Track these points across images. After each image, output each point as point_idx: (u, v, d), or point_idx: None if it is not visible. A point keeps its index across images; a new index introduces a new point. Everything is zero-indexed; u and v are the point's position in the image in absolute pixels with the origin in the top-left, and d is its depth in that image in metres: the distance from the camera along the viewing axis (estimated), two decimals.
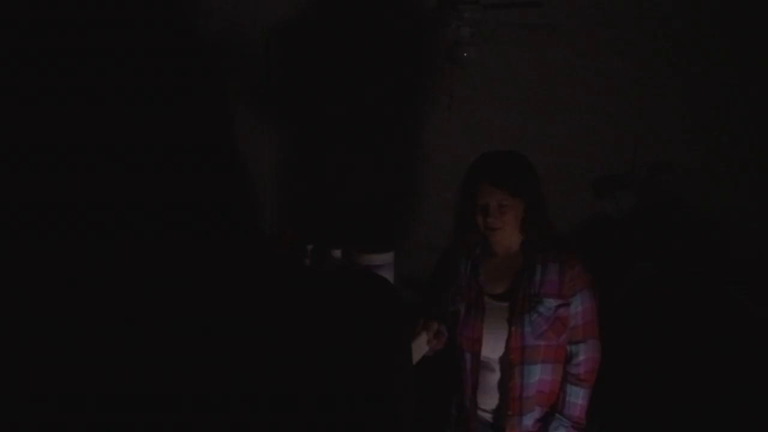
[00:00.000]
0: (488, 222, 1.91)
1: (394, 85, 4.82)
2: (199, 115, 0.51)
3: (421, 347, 1.88)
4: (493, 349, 1.95)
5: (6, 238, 0.44)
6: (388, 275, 1.85)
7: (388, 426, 0.49)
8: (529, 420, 1.93)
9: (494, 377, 1.97)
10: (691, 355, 2.88)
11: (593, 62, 4.42)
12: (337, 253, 1.94)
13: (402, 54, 4.76)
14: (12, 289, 0.44)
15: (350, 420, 0.47)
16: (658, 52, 4.30)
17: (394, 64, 4.77)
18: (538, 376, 1.91)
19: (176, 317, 0.48)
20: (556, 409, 1.94)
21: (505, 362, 1.93)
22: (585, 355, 1.92)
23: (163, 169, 0.48)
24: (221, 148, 0.53)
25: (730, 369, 2.69)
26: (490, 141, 2.29)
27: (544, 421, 1.95)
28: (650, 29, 4.22)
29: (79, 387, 0.46)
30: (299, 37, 4.81)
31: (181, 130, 0.50)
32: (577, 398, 1.91)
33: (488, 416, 2.01)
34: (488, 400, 1.99)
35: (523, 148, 2.13)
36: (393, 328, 0.53)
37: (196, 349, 0.47)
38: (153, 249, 0.47)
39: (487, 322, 1.95)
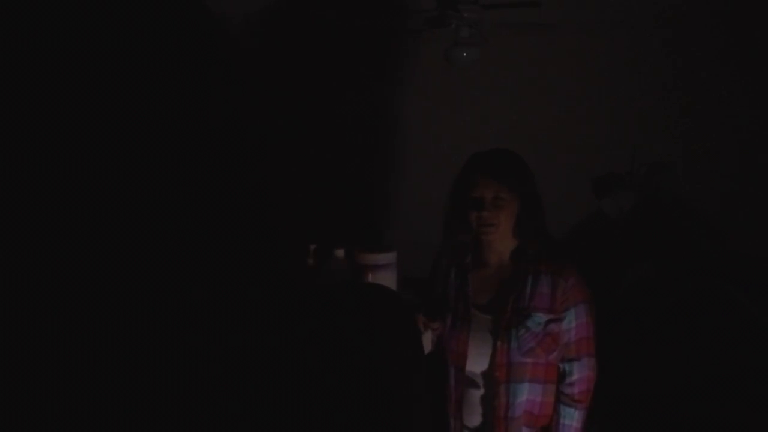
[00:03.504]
0: (483, 216, 1.78)
1: (395, 86, 4.83)
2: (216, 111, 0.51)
3: (425, 346, 1.86)
4: (478, 364, 1.83)
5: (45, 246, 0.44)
6: (391, 275, 1.83)
7: (410, 423, 0.50)
8: None
9: (479, 394, 1.85)
10: (690, 357, 2.89)
11: (592, 62, 4.43)
12: (340, 252, 1.92)
13: (402, 54, 4.76)
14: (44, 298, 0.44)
15: (375, 419, 0.47)
16: (657, 52, 4.31)
17: (394, 64, 4.77)
18: (526, 395, 1.79)
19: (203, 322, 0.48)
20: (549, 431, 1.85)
21: (490, 379, 1.81)
22: (579, 375, 1.81)
23: (174, 173, 0.48)
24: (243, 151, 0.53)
25: (729, 370, 2.70)
26: (490, 140, 2.29)
27: None
28: (648, 30, 4.23)
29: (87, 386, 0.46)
30: (299, 38, 4.81)
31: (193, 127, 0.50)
32: (572, 420, 1.82)
33: None
34: (473, 418, 1.88)
35: (522, 148, 2.13)
36: (409, 335, 0.53)
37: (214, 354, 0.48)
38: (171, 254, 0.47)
39: (473, 336, 1.83)
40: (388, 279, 1.84)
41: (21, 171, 0.44)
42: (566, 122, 4.52)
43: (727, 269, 3.48)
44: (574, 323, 1.81)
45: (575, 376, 1.82)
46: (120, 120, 0.46)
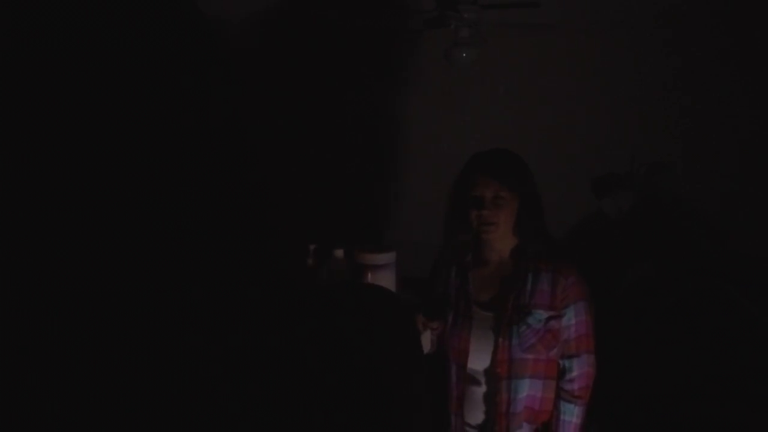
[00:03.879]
0: (483, 215, 1.81)
1: (395, 86, 4.83)
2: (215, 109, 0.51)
3: (424, 346, 1.87)
4: (479, 361, 1.85)
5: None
6: (391, 275, 1.84)
7: (411, 421, 0.50)
8: None
9: (480, 391, 1.87)
10: (690, 357, 2.89)
11: (591, 62, 4.44)
12: (340, 252, 1.92)
13: (402, 54, 4.76)
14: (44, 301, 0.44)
15: (375, 419, 0.47)
16: (657, 52, 4.31)
17: (394, 64, 4.77)
18: (527, 391, 1.81)
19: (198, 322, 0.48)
20: (550, 428, 1.86)
21: (492, 375, 1.83)
22: (579, 371, 1.83)
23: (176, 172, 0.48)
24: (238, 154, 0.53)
25: (729, 370, 2.70)
26: (490, 140, 2.29)
27: None
28: (648, 30, 4.23)
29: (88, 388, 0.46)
30: (299, 38, 4.81)
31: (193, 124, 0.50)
32: (572, 416, 1.83)
33: (474, 431, 1.92)
34: (474, 414, 1.90)
35: (522, 148, 2.13)
36: (409, 335, 0.53)
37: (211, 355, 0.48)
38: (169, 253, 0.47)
39: (474, 333, 1.86)
40: (387, 279, 1.84)
41: (20, 171, 0.44)
42: (566, 122, 4.52)
43: (727, 269, 3.48)
44: (573, 320, 1.84)
45: (575, 373, 1.84)
46: (119, 120, 0.46)
